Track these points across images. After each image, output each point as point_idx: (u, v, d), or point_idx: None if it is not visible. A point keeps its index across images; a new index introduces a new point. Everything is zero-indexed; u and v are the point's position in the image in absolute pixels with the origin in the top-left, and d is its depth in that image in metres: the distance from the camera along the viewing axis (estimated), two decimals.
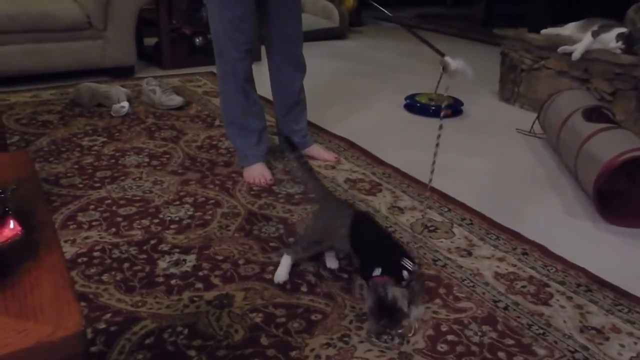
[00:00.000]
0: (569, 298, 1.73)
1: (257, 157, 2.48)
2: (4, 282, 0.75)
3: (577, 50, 3.12)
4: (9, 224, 0.79)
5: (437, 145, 1.89)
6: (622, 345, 1.55)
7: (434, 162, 1.87)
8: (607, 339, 1.57)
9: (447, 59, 1.95)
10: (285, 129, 2.67)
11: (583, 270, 1.86)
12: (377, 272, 1.55)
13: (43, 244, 0.81)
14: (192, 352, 1.47)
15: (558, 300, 1.72)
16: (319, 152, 2.68)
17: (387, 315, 1.52)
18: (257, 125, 2.49)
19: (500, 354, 1.50)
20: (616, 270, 1.87)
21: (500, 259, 1.93)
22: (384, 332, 1.53)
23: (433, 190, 2.39)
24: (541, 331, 1.59)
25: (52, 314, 0.67)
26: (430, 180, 1.90)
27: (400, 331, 1.54)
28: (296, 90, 2.57)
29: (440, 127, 1.88)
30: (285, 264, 1.78)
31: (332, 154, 2.69)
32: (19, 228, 0.79)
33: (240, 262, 1.86)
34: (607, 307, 1.70)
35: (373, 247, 1.68)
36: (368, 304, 1.55)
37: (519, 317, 1.64)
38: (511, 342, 1.54)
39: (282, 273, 1.77)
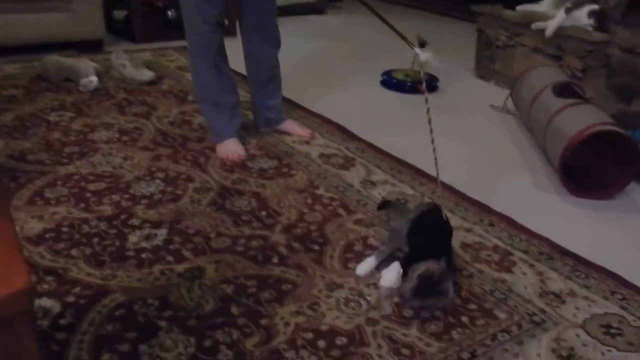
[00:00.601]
0: (531, 266, 1.79)
1: (230, 133, 2.48)
2: None
3: (550, 27, 3.15)
4: None
5: (432, 132, 1.91)
6: (577, 308, 1.61)
7: (434, 150, 1.90)
8: (564, 302, 1.63)
9: (417, 50, 1.97)
10: (259, 104, 2.66)
11: (546, 240, 1.92)
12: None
13: None
14: (163, 323, 1.49)
15: (520, 267, 1.78)
16: (293, 128, 2.68)
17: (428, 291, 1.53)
18: (230, 101, 2.48)
19: (463, 318, 1.55)
20: (577, 240, 1.93)
21: (468, 230, 1.97)
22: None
23: (406, 165, 2.42)
24: (503, 296, 1.64)
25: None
26: (437, 173, 1.95)
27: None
28: (270, 65, 2.57)
29: (428, 110, 1.91)
30: (371, 262, 1.73)
31: (306, 130, 2.70)
32: None
33: (212, 235, 1.87)
34: (566, 274, 1.76)
35: (425, 244, 1.69)
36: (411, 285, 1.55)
37: (482, 283, 1.69)
38: (474, 307, 1.59)
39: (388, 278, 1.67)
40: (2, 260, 0.71)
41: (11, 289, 0.66)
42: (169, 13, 4.37)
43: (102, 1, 3.83)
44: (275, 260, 1.76)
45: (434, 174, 2.32)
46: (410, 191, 2.21)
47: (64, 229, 1.87)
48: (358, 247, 1.84)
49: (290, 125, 2.69)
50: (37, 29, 3.63)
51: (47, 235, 1.84)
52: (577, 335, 1.51)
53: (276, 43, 2.53)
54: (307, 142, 2.60)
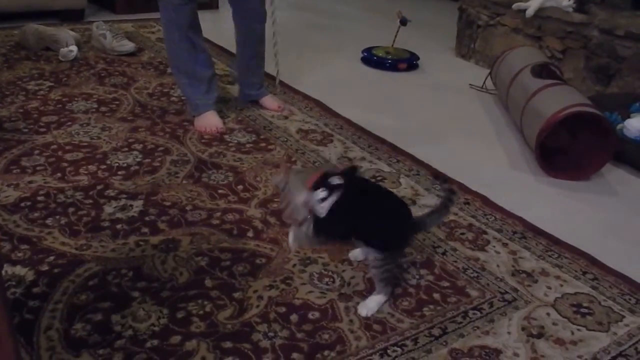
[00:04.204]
0: (505, 244, 1.81)
1: (207, 106, 2.46)
2: None
3: (531, 7, 3.16)
4: None
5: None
6: (549, 287, 1.64)
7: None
8: (536, 281, 1.66)
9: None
10: (242, 81, 2.68)
11: (520, 219, 1.94)
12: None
13: None
14: (136, 294, 1.49)
15: (494, 246, 1.80)
16: (270, 104, 2.67)
17: None
18: (205, 74, 2.46)
19: (435, 295, 1.57)
20: (551, 220, 1.96)
21: None
22: None
23: (383, 142, 2.42)
24: (475, 274, 1.66)
25: None
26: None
27: None
28: (255, 41, 2.55)
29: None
30: None
31: (276, 104, 2.68)
32: None
33: (188, 208, 1.87)
34: (538, 253, 1.78)
35: None
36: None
37: (455, 261, 1.71)
38: (447, 284, 1.61)
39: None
40: None
41: None
42: None
43: None
44: (250, 234, 1.76)
45: (410, 151, 2.35)
46: (386, 168, 2.22)
47: (40, 198, 1.86)
48: None
49: (268, 100, 2.68)
50: None
51: (22, 204, 1.82)
52: (548, 314, 1.53)
53: (261, 19, 2.50)
54: (286, 117, 2.60)
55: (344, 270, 1.63)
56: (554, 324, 1.50)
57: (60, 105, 2.54)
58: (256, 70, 2.64)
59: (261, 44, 2.58)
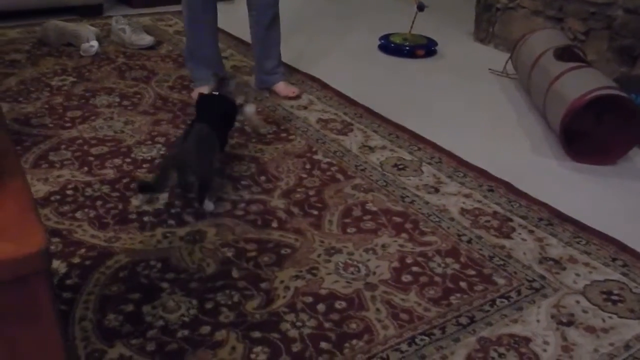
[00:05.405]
0: (531, 232, 1.80)
1: (201, 81, 2.54)
2: None
3: None
4: None
5: None
6: (578, 275, 1.62)
7: None
8: (564, 268, 1.64)
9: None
10: (257, 65, 2.71)
11: (546, 206, 1.92)
12: None
13: (6, 170, 0.82)
14: (165, 285, 1.51)
15: (520, 233, 1.79)
16: (283, 89, 2.69)
17: None
18: (204, 53, 2.57)
19: (462, 284, 1.57)
20: (578, 206, 1.94)
21: (467, 196, 1.98)
22: None
23: (404, 130, 2.42)
24: (502, 262, 1.66)
25: (16, 233, 0.70)
26: None
27: None
28: (265, 25, 2.57)
29: None
30: None
31: (290, 89, 2.70)
32: None
33: (212, 199, 1.89)
34: (566, 240, 1.77)
35: None
36: None
37: (481, 249, 1.71)
38: (472, 272, 1.61)
39: None
40: (19, 220, 0.72)
41: (29, 249, 0.67)
42: None
43: None
44: (274, 224, 1.78)
45: (432, 138, 2.34)
46: (408, 156, 2.22)
47: (69, 192, 1.89)
48: (356, 212, 1.86)
49: (280, 86, 2.70)
50: None
51: (52, 198, 1.86)
52: (577, 302, 1.52)
53: (271, 2, 2.54)
54: (305, 107, 2.60)
55: (368, 260, 1.64)
56: (584, 311, 1.49)
57: (83, 100, 2.57)
58: (269, 54, 2.66)
59: (273, 28, 2.60)
